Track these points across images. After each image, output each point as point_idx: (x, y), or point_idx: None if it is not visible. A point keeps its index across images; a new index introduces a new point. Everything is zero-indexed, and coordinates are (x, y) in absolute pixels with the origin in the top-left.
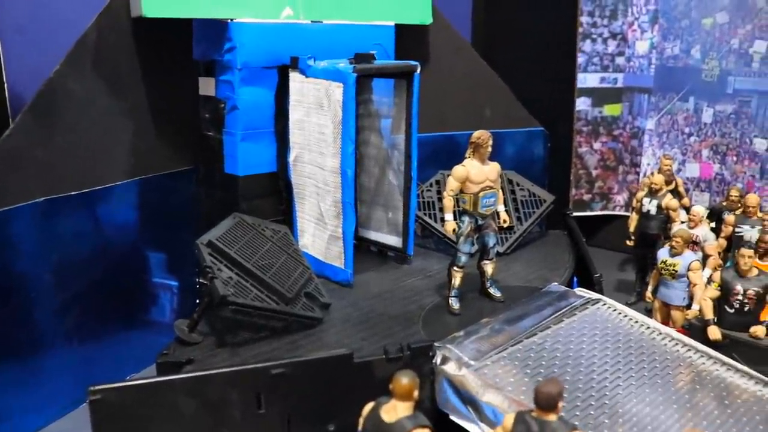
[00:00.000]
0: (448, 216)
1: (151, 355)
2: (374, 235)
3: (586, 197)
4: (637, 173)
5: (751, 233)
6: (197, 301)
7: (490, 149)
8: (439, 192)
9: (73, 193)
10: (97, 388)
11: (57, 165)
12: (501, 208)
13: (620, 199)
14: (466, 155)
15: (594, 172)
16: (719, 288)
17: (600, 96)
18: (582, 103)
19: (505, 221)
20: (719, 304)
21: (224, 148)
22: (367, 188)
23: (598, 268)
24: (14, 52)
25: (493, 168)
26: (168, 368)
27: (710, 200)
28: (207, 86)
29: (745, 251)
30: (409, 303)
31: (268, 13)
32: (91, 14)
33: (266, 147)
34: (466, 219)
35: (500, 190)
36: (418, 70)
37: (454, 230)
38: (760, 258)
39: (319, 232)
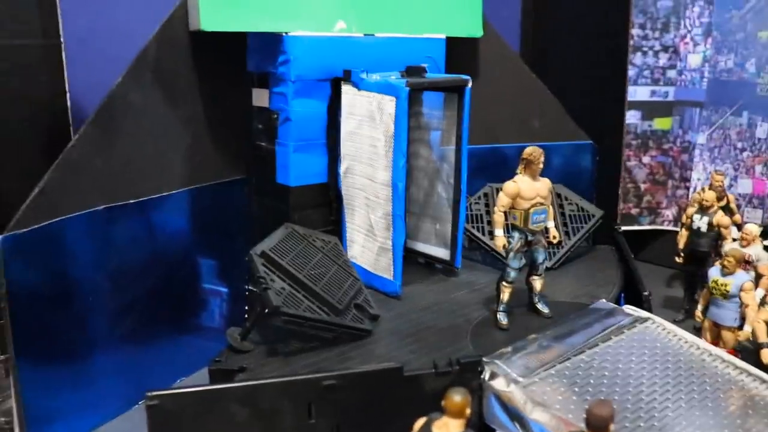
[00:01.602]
0: (498, 231)
1: (201, 360)
2: (422, 247)
3: (635, 211)
4: (687, 188)
5: None
6: (246, 308)
7: (541, 165)
8: (487, 205)
9: (130, 201)
10: (155, 393)
11: (116, 174)
12: (551, 224)
13: (669, 213)
14: (518, 171)
15: (643, 186)
16: None
17: (650, 109)
18: (632, 117)
19: (554, 237)
20: None
21: (276, 158)
22: (416, 200)
23: (646, 284)
24: (77, 62)
25: (544, 184)
26: (220, 375)
27: (763, 217)
28: (261, 97)
29: None
30: (457, 316)
31: (322, 26)
32: (152, 22)
33: (318, 158)
34: (516, 235)
35: (551, 206)
36: (470, 85)
37: (504, 246)
38: None
39: (368, 243)
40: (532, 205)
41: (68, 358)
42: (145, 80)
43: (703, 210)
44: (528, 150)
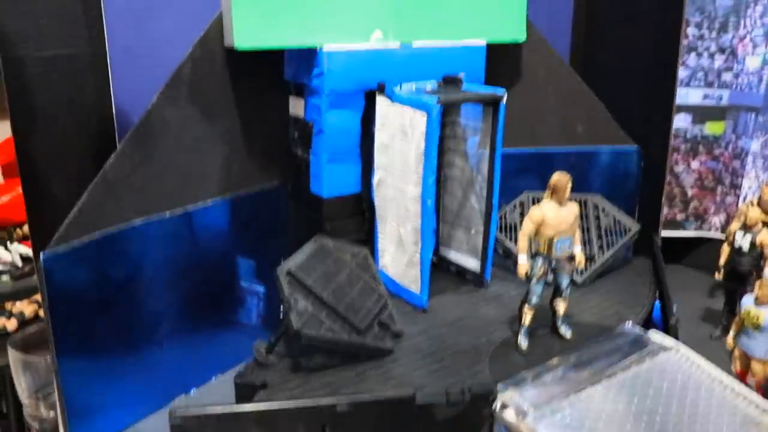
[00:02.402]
0: (522, 258)
1: (235, 357)
2: (454, 256)
3: (680, 217)
4: (737, 196)
5: None
6: (280, 316)
7: (569, 192)
8: (521, 214)
9: (166, 214)
10: (177, 414)
11: (153, 189)
12: (577, 249)
13: (717, 221)
14: (544, 196)
15: (690, 192)
16: None
17: (702, 113)
18: (681, 120)
19: (579, 263)
20: None
21: (310, 168)
22: (449, 209)
23: (688, 291)
24: (122, 73)
25: (571, 211)
26: (245, 389)
27: None
28: (297, 106)
29: None
30: (479, 335)
31: (358, 36)
32: (194, 32)
33: (351, 168)
34: (539, 260)
35: (577, 231)
36: (505, 99)
37: (526, 273)
38: None
39: (398, 254)
40: (557, 233)
41: (108, 358)
42: (181, 97)
43: (746, 227)
44: (555, 177)
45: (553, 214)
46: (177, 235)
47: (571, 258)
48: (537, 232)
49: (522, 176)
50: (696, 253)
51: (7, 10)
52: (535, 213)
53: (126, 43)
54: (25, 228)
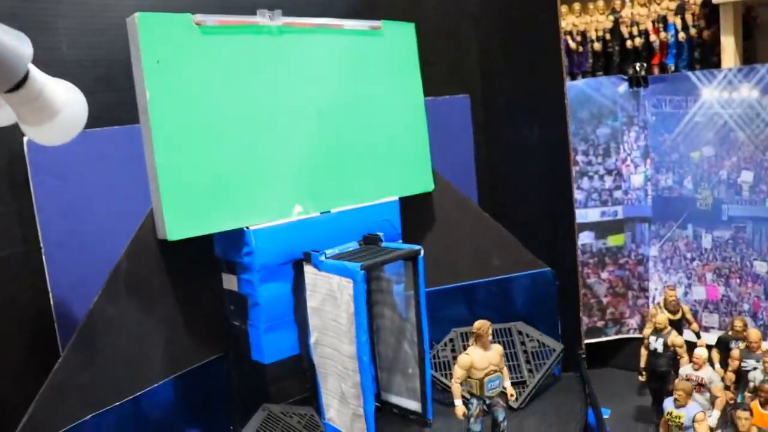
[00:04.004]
0: (458, 402)
1: None
2: (395, 399)
3: (600, 323)
4: (647, 297)
5: (755, 374)
6: None
7: (490, 336)
8: (453, 350)
9: (116, 405)
10: None
11: (100, 384)
12: (507, 383)
13: (633, 322)
14: (470, 343)
15: (605, 300)
16: None
17: (602, 228)
18: (586, 237)
19: (511, 395)
20: None
21: (250, 338)
22: (385, 356)
23: (618, 393)
24: (57, 267)
25: (496, 352)
26: None
27: (719, 321)
28: (230, 282)
29: (741, 413)
30: None
31: (281, 213)
32: (124, 222)
33: (288, 333)
34: (474, 401)
35: (504, 369)
36: (422, 254)
37: (464, 414)
38: (762, 406)
39: (343, 408)
40: (486, 374)
41: None
42: (120, 294)
43: (657, 332)
44: (477, 324)
45: (480, 357)
46: (126, 421)
47: (503, 393)
48: (468, 377)
49: (448, 310)
50: (621, 354)
51: None
52: (463, 360)
53: (60, 239)
54: None
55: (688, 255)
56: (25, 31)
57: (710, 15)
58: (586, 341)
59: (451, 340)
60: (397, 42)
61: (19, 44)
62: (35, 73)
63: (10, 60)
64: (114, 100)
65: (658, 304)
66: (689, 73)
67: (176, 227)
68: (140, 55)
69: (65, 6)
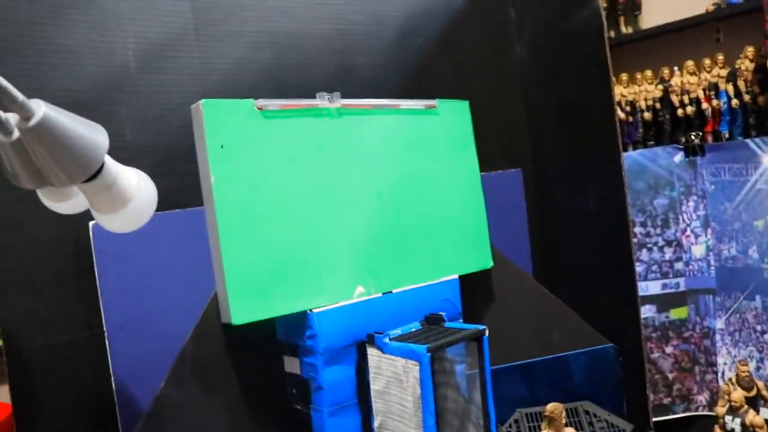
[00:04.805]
0: None
1: None
2: None
3: (666, 401)
4: (715, 372)
5: None
6: None
7: (564, 419)
8: (518, 431)
9: None
10: None
11: None
12: None
13: (701, 399)
14: (542, 427)
15: (670, 376)
16: None
17: (664, 301)
18: (648, 311)
19: None
20: None
21: (313, 422)
22: None
23: None
24: (119, 350)
25: None
26: None
27: None
28: (292, 365)
29: None
30: None
31: (342, 294)
32: (185, 305)
33: (352, 417)
34: None
35: None
36: (487, 333)
37: None
38: None
39: None
40: None
41: None
42: (186, 379)
43: (733, 410)
44: (549, 407)
45: None
46: None
47: None
48: None
49: (509, 389)
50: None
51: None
52: None
53: (122, 321)
54: None
55: (758, 327)
56: (91, 120)
57: (764, 80)
58: (654, 419)
59: (516, 421)
60: (452, 119)
61: (96, 136)
62: (110, 162)
63: (89, 152)
64: (174, 185)
65: (730, 380)
66: (748, 141)
67: (241, 311)
68: (205, 140)
69: (125, 94)
